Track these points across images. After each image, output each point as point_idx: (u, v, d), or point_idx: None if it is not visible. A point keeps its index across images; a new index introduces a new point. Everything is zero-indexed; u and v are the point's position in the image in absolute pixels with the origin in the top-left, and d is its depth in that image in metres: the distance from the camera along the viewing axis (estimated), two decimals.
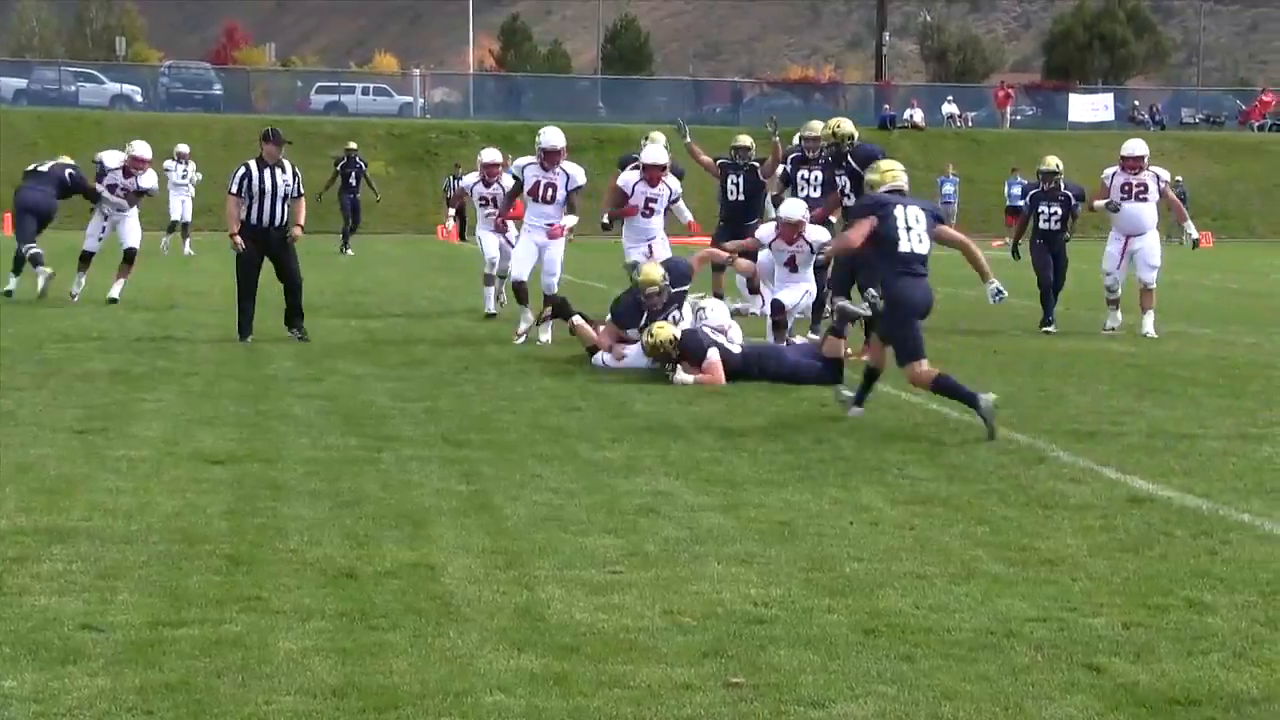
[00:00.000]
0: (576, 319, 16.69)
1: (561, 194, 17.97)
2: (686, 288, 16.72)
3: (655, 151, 19.05)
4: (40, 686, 6.05)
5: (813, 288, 17.71)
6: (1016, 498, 9.88)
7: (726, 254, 18.34)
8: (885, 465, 11.01)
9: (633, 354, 15.84)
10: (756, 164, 21.08)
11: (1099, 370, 16.58)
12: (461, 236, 43.35)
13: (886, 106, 71.21)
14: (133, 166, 22.71)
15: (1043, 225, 20.99)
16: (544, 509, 9.37)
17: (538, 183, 17.92)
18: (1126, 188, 20.36)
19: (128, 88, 71.91)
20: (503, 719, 5.84)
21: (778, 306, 17.26)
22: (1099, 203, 20.58)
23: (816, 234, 17.25)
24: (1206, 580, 7.93)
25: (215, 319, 20.22)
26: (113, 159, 22.95)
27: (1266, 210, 63.11)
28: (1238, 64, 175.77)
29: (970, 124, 72.09)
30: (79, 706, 5.86)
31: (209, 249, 36.47)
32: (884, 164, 13.60)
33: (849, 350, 15.47)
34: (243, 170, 17.78)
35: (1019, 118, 77.10)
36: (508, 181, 20.02)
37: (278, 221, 17.71)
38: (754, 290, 20.25)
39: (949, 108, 72.90)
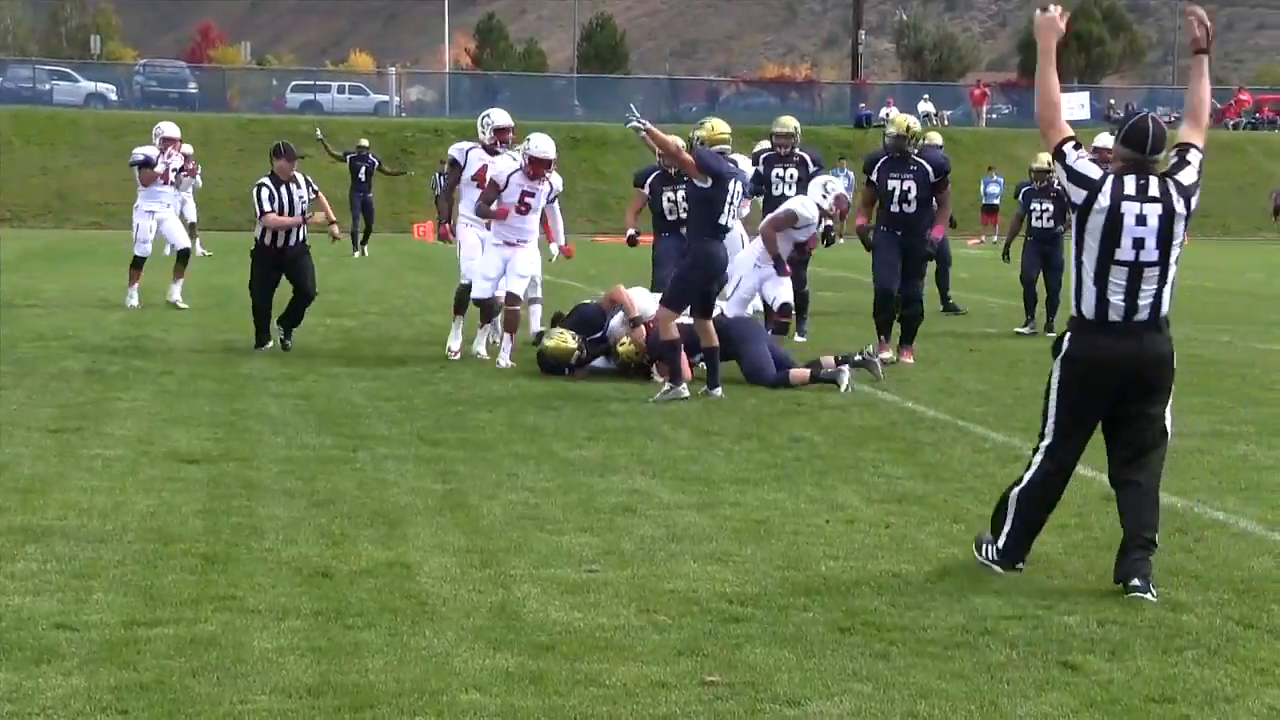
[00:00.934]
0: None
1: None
2: (603, 333, 15.72)
3: (544, 143, 16.32)
4: (14, 686, 6.04)
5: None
6: (992, 496, 9.83)
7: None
8: (861, 464, 11.02)
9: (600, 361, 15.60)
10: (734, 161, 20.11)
11: None
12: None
13: (862, 105, 71.24)
14: (167, 148, 22.39)
15: (1035, 223, 20.98)
16: (520, 508, 9.37)
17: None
18: None
19: (102, 86, 71.66)
20: (478, 718, 5.83)
21: (786, 309, 16.67)
22: None
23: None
24: (1181, 578, 7.96)
25: (191, 318, 20.19)
26: (151, 150, 22.48)
27: (1241, 208, 63.20)
28: (1213, 63, 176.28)
29: (946, 122, 72.09)
30: (53, 706, 5.84)
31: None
32: (715, 121, 13.99)
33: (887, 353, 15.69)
34: (267, 191, 16.93)
35: (995, 116, 77.13)
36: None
37: (293, 240, 17.06)
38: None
39: (925, 106, 72.85)
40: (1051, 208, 20.84)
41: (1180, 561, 8.30)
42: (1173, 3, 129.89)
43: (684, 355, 14.10)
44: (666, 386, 13.84)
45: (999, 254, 22.69)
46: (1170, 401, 8.03)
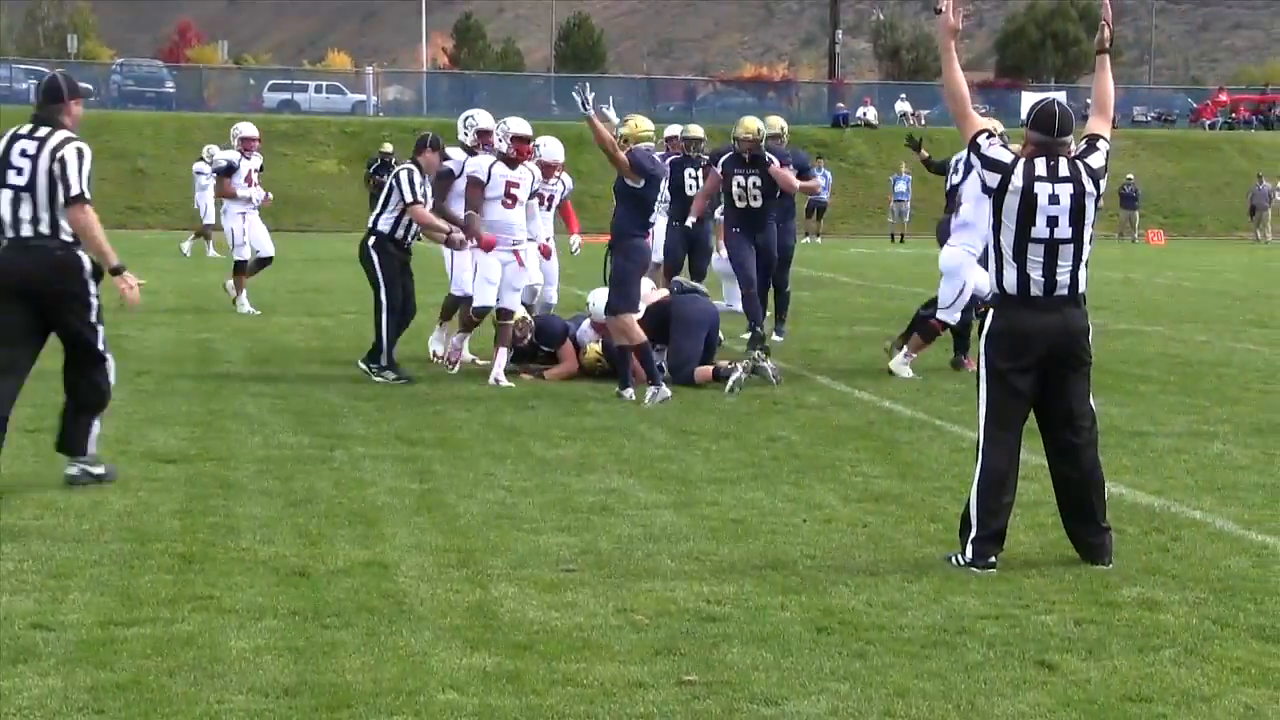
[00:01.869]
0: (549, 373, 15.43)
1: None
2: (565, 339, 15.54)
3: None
4: None
5: None
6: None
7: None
8: (838, 463, 11.03)
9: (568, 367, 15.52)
10: (708, 157, 19.16)
11: None
12: None
13: (840, 104, 71.24)
14: (245, 149, 22.14)
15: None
16: (497, 507, 9.36)
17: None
18: None
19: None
20: (456, 717, 5.83)
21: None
22: None
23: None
24: (1158, 577, 7.97)
25: (167, 318, 20.13)
26: (231, 154, 22.22)
27: (1218, 208, 63.37)
28: (1189, 62, 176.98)
29: (924, 122, 72.18)
30: (30, 706, 5.83)
31: (158, 248, 36.35)
32: (638, 119, 14.23)
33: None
34: (420, 178, 14.88)
35: None
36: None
37: (409, 237, 15.24)
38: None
39: (902, 106, 72.99)
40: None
41: (1157, 561, 8.32)
42: (1149, 3, 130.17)
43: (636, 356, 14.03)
44: (651, 391, 13.74)
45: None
46: (1089, 386, 8.31)
